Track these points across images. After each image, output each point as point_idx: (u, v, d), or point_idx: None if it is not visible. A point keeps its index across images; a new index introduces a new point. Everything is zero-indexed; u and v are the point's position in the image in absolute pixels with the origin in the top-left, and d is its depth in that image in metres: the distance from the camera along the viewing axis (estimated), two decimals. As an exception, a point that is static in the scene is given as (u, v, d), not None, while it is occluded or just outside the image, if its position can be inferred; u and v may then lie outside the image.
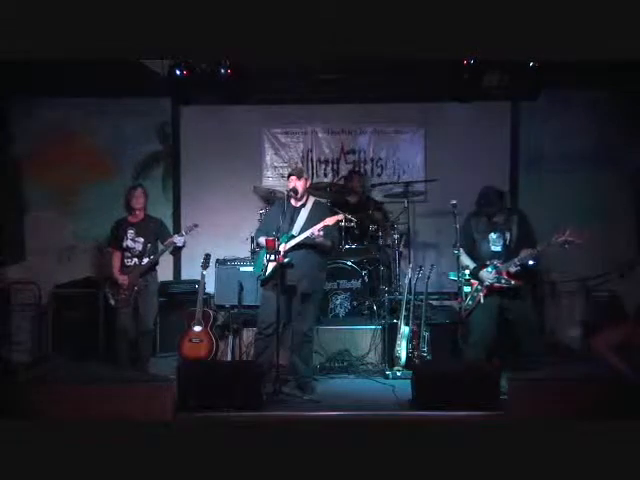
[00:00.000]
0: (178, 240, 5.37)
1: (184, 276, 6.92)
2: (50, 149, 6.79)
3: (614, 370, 4.07)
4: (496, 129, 6.86)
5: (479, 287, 5.04)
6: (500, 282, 4.97)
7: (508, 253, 5.00)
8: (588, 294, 6.31)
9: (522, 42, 3.39)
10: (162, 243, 5.42)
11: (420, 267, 5.65)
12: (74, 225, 6.78)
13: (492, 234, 5.06)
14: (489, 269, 4.99)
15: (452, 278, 5.18)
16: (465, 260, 5.13)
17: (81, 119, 6.79)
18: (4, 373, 4.61)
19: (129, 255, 5.40)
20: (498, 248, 5.04)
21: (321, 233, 4.82)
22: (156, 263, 5.46)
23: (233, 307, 5.88)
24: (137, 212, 5.46)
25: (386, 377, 5.40)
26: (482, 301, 5.01)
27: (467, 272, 5.13)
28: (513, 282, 4.94)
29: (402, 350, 5.45)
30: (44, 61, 3.57)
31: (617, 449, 2.99)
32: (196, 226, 5.48)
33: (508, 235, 5.02)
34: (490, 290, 5.00)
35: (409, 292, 5.60)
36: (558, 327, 6.45)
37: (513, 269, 4.92)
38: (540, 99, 6.43)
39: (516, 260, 4.91)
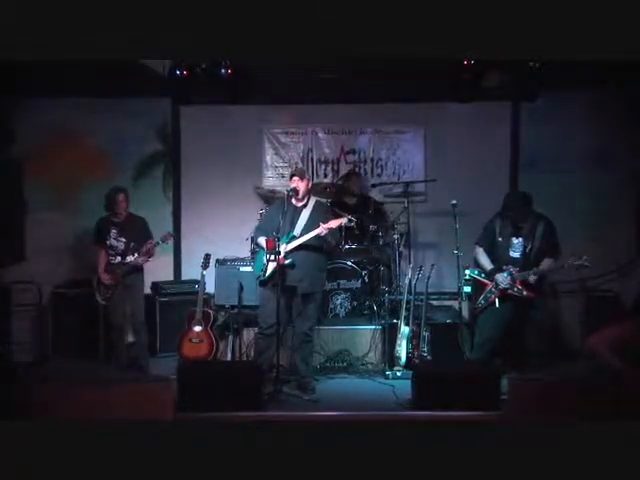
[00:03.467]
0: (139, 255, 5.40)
1: (184, 276, 6.91)
2: (50, 149, 6.78)
3: (611, 368, 4.08)
4: (496, 129, 6.86)
5: (493, 289, 5.03)
6: (513, 290, 4.96)
7: (526, 262, 4.98)
8: (588, 294, 6.32)
9: (522, 42, 3.39)
10: (142, 244, 5.42)
11: (420, 267, 5.66)
12: (74, 225, 6.77)
13: (514, 239, 5.03)
14: (505, 274, 4.98)
15: (470, 276, 5.19)
16: (482, 260, 5.12)
17: (81, 119, 6.77)
18: (4, 373, 4.60)
19: (112, 253, 5.48)
20: (517, 255, 5.02)
21: (327, 232, 4.85)
22: (142, 261, 5.49)
23: (233, 307, 5.88)
24: (120, 213, 5.52)
25: (386, 377, 5.41)
26: (497, 305, 5.00)
27: (476, 271, 5.15)
28: (525, 293, 4.94)
29: (402, 350, 5.46)
30: (44, 61, 3.57)
31: (617, 449, 2.99)
32: (172, 236, 5.67)
33: (530, 243, 4.99)
34: (504, 295, 4.99)
35: (409, 292, 5.60)
36: (559, 327, 6.45)
37: (532, 279, 4.91)
38: (540, 99, 6.44)
39: (531, 272, 4.90)
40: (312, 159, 7.07)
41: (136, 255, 5.42)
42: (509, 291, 4.97)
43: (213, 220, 6.86)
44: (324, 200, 6.07)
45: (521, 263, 4.99)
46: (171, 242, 5.92)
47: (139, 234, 5.50)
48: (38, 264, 6.48)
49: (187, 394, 4.38)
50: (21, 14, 3.26)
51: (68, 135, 6.82)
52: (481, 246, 5.16)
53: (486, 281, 5.10)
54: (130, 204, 5.61)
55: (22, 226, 6.67)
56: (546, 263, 4.95)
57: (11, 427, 3.21)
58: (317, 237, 4.88)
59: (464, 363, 5.17)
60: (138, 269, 5.52)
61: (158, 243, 5.47)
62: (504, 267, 5.01)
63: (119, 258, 5.47)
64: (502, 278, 4.97)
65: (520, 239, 5.02)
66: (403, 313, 5.52)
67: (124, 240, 5.47)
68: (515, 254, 5.03)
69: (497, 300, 5.01)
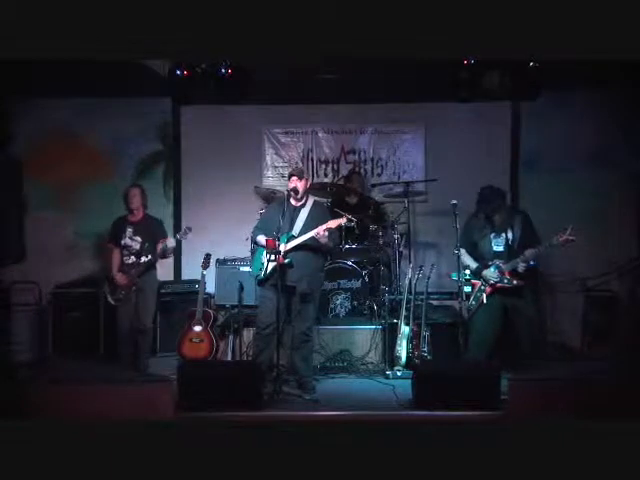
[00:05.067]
0: (170, 241, 5.42)
1: (184, 276, 6.92)
2: (50, 149, 6.78)
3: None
4: (496, 129, 6.86)
5: (482, 287, 5.05)
6: (503, 282, 4.98)
7: (510, 253, 5.00)
8: (588, 294, 6.32)
9: (522, 42, 3.39)
10: (156, 244, 5.42)
11: (420, 267, 5.65)
12: (74, 225, 6.78)
13: (494, 234, 5.07)
14: (492, 269, 5.00)
15: (454, 278, 5.20)
16: (467, 260, 5.15)
17: (81, 119, 6.78)
18: (4, 373, 4.60)
19: (127, 253, 5.43)
20: (500, 248, 5.06)
21: (325, 234, 4.83)
22: (155, 261, 5.47)
23: (233, 307, 5.89)
24: (135, 211, 5.50)
25: (386, 377, 5.40)
26: (485, 301, 5.02)
27: (467, 272, 5.16)
28: (515, 282, 4.96)
29: (402, 350, 5.45)
30: (44, 61, 3.57)
31: (617, 449, 3.00)
32: (189, 230, 5.50)
33: (510, 235, 5.02)
34: (493, 289, 5.01)
35: (409, 292, 5.60)
36: (558, 327, 6.46)
37: (521, 268, 4.91)
38: (540, 99, 6.44)
39: (519, 260, 4.91)
40: (312, 159, 7.08)
41: (150, 257, 5.38)
42: (499, 284, 4.99)
43: (213, 220, 6.86)
44: (323, 200, 6.06)
45: (505, 255, 5.03)
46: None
47: (155, 234, 5.47)
48: (38, 264, 6.47)
49: (187, 394, 4.38)
50: (21, 14, 3.26)
51: (68, 135, 6.83)
52: (464, 248, 5.17)
53: (475, 281, 5.12)
54: (147, 202, 5.56)
55: (22, 226, 6.66)
56: (530, 251, 4.95)
57: (11, 427, 3.21)
58: (314, 238, 4.87)
59: (464, 363, 5.17)
60: (152, 267, 5.47)
61: (178, 240, 5.47)
62: (489, 263, 5.04)
63: (133, 258, 5.41)
64: (490, 273, 5.01)
65: (499, 232, 5.05)
66: (403, 313, 5.52)
67: (139, 240, 5.42)
68: (498, 248, 5.07)
69: (485, 297, 5.03)
